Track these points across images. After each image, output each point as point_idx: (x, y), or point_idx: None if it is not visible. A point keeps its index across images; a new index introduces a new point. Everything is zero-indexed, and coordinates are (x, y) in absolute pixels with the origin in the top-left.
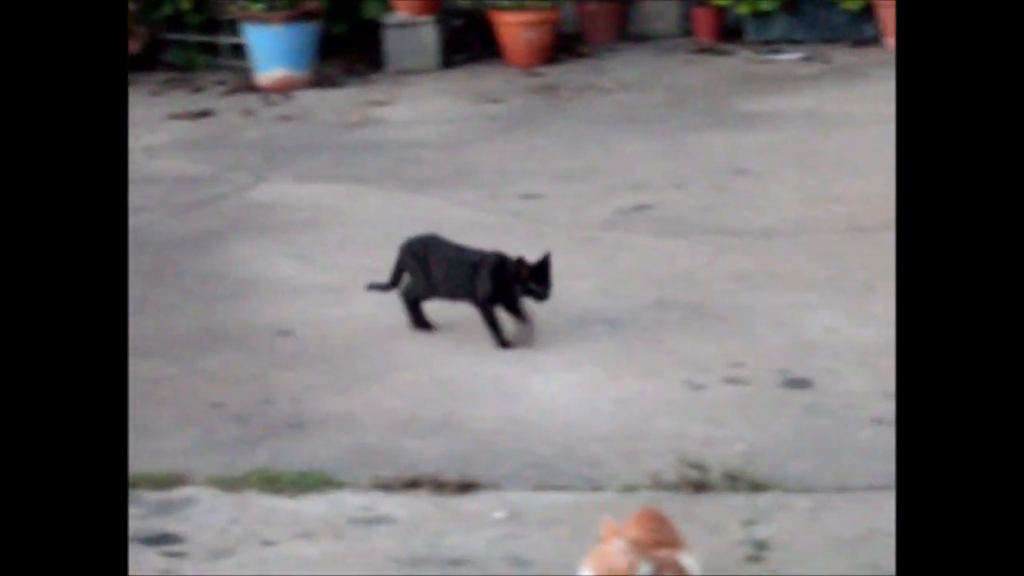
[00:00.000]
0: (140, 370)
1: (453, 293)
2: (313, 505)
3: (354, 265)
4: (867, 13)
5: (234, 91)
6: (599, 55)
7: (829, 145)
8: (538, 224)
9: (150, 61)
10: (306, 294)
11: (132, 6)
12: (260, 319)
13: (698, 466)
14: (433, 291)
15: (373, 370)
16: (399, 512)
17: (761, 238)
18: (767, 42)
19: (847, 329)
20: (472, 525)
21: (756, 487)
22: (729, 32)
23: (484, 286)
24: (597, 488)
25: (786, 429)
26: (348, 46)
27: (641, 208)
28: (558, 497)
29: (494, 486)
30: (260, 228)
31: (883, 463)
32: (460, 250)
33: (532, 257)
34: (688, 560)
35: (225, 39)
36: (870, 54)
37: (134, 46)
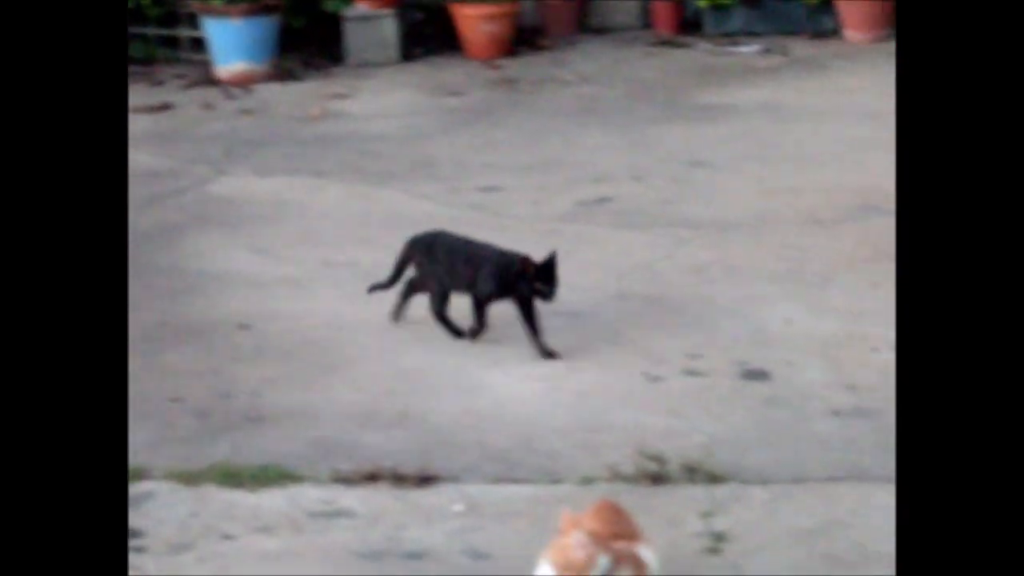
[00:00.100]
0: None
1: (455, 286)
2: (272, 499)
3: (314, 258)
4: (826, 6)
5: (194, 85)
6: (559, 48)
7: (788, 137)
8: (498, 217)
9: None
10: (266, 288)
11: None
12: (220, 313)
13: (656, 458)
14: (449, 287)
15: (333, 363)
16: (358, 505)
17: (720, 230)
18: (726, 34)
19: (805, 321)
20: (431, 518)
21: (714, 479)
22: (688, 25)
23: (487, 284)
24: (556, 480)
25: (744, 421)
26: (308, 39)
27: (601, 200)
28: (517, 490)
29: (453, 479)
30: (220, 222)
31: (841, 454)
32: (467, 244)
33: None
34: (646, 552)
35: (185, 32)
36: (829, 46)
37: None
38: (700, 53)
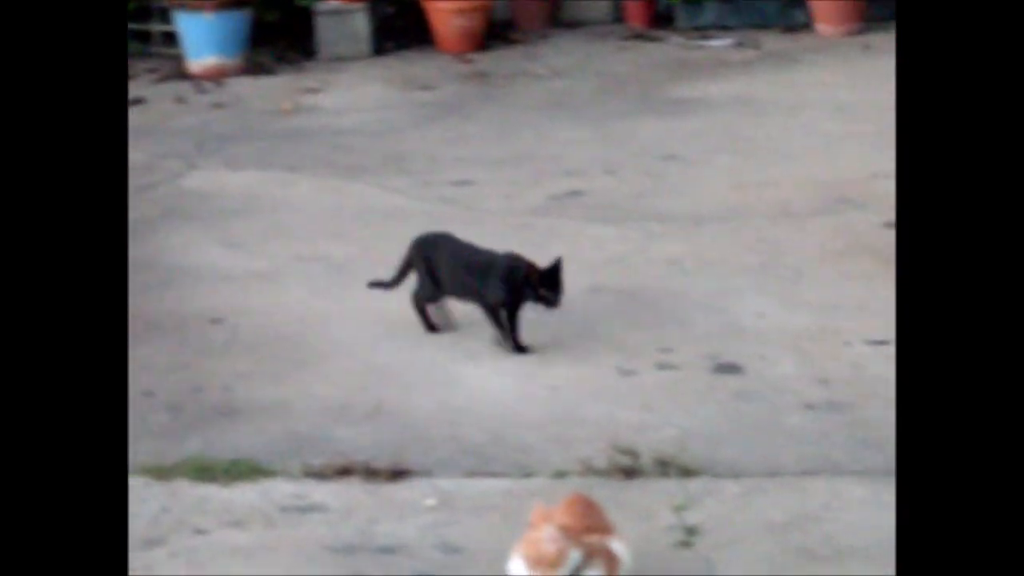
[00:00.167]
0: None
1: (459, 293)
2: (244, 493)
3: (286, 253)
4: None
5: (166, 79)
6: (531, 42)
7: (760, 131)
8: (470, 211)
9: None
10: (238, 282)
11: None
12: (192, 307)
13: (629, 452)
14: (440, 292)
15: (305, 358)
16: (331, 500)
17: (693, 224)
18: (698, 28)
19: (778, 315)
20: (404, 512)
21: (686, 472)
22: (661, 18)
23: (496, 292)
24: (528, 474)
25: (717, 415)
26: (280, 33)
27: (573, 194)
28: (490, 483)
29: (426, 473)
30: (192, 216)
31: (813, 447)
32: (471, 250)
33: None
34: (618, 546)
35: (157, 27)
36: (801, 40)
37: None
38: (672, 47)
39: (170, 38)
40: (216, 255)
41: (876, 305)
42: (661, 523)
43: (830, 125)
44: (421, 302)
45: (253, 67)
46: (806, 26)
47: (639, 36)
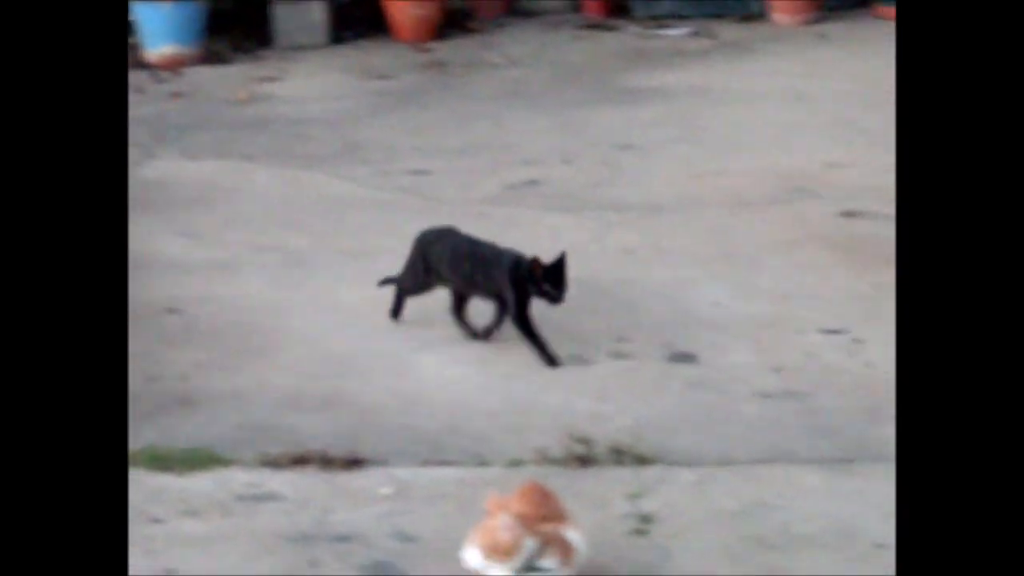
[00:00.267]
0: None
1: (465, 288)
2: (200, 483)
3: (243, 242)
4: None
5: None
6: (488, 31)
7: (717, 120)
8: (427, 200)
9: None
10: (195, 271)
11: None
12: (148, 296)
13: (584, 440)
14: (427, 285)
15: (261, 347)
16: (286, 489)
17: (649, 213)
18: (655, 18)
19: (732, 303)
20: (359, 501)
21: (641, 461)
22: (617, 8)
23: (505, 286)
24: (483, 463)
25: (672, 403)
26: (237, 22)
27: (530, 183)
28: (445, 472)
29: (381, 462)
30: (149, 206)
31: (767, 436)
32: (475, 244)
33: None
34: (573, 534)
35: None
36: (757, 29)
37: None
38: (629, 36)
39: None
40: (173, 245)
41: (830, 294)
42: (616, 511)
43: (786, 114)
44: (404, 291)
45: (210, 56)
46: (762, 16)
47: (596, 26)
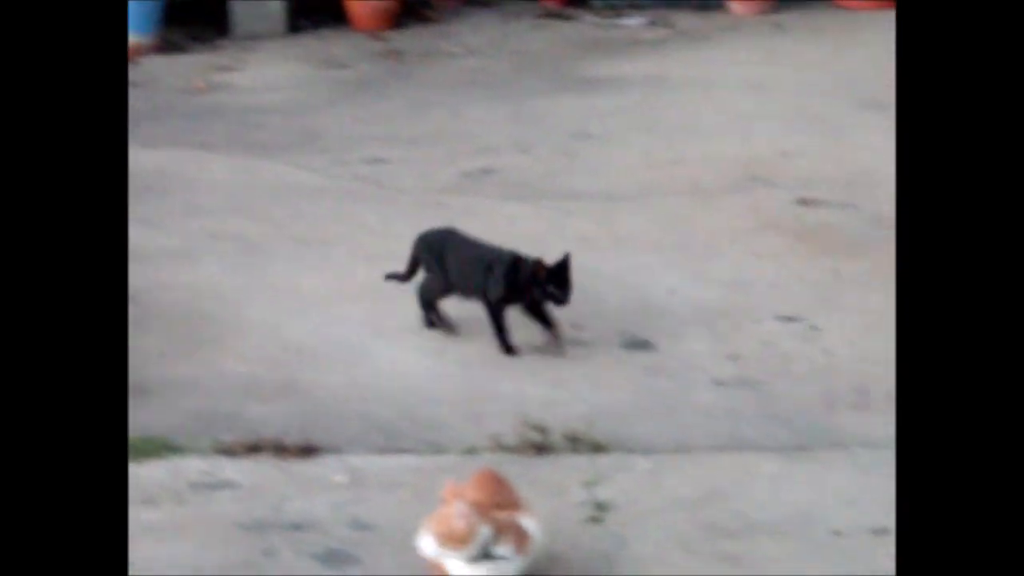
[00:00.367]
0: None
1: (464, 291)
2: (155, 470)
3: (199, 230)
4: None
5: None
6: (446, 20)
7: (674, 109)
8: (384, 189)
9: None
10: (151, 259)
11: None
12: None
13: (539, 428)
14: (449, 288)
15: (217, 335)
16: (241, 477)
17: (605, 202)
18: (612, 7)
19: (689, 291)
20: (314, 489)
21: (597, 449)
22: None
23: (496, 287)
24: (439, 451)
25: (627, 391)
26: (194, 12)
27: (487, 172)
28: (400, 460)
29: (336, 450)
30: None
31: (723, 424)
32: (476, 246)
33: (530, 253)
34: (528, 522)
35: None
36: (714, 19)
37: None
38: (586, 26)
39: None
40: (130, 233)
41: (787, 282)
42: (571, 499)
43: (742, 103)
44: (426, 297)
45: (167, 45)
46: (718, 5)
47: (553, 15)
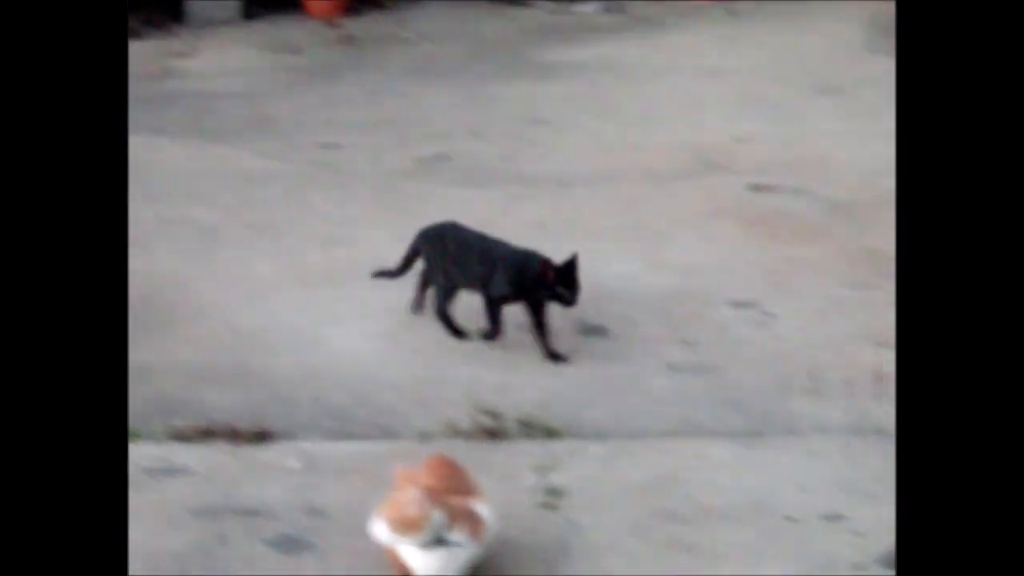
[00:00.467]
0: None
1: (467, 284)
2: None
3: (153, 216)
4: None
5: None
6: (400, 7)
7: (627, 95)
8: (338, 174)
9: None
10: None
11: None
12: None
13: (493, 414)
14: (456, 285)
15: (170, 320)
16: (194, 462)
17: (559, 187)
18: None
19: (642, 277)
20: (267, 474)
21: (550, 434)
22: None
23: (501, 286)
24: (392, 437)
25: (581, 376)
26: None
27: (440, 158)
28: (353, 446)
29: (289, 435)
30: None
31: (676, 409)
32: (481, 239)
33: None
34: (482, 507)
35: None
36: (668, 5)
37: None
38: (541, 12)
39: None
40: None
41: (739, 267)
42: (525, 485)
43: (695, 89)
44: (443, 310)
45: None
46: None
47: (509, 1)
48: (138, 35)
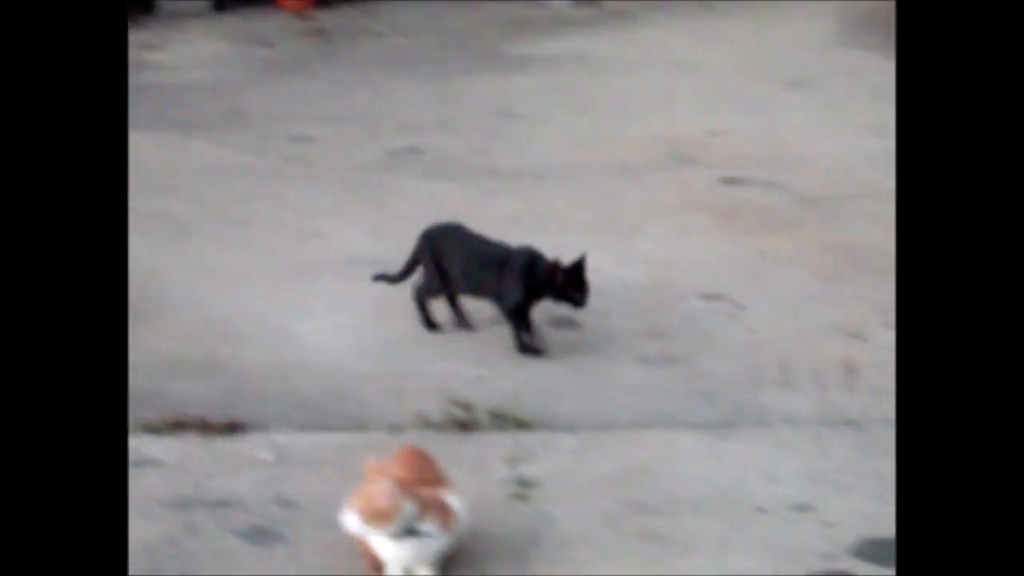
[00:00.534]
0: None
1: (474, 290)
2: None
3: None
4: None
5: None
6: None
7: (600, 88)
8: (309, 167)
9: None
10: None
11: None
12: None
13: (464, 405)
14: (444, 287)
15: (141, 312)
16: (165, 455)
17: (532, 181)
18: None
19: (614, 269)
20: (239, 466)
21: (522, 426)
22: None
23: (514, 292)
24: (364, 428)
25: (552, 368)
26: None
27: (412, 151)
28: (325, 438)
29: (261, 427)
30: None
31: (647, 401)
32: (485, 243)
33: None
34: (453, 499)
35: None
36: None
37: None
38: (513, 5)
39: None
40: None
41: (711, 260)
42: (496, 476)
43: (668, 83)
44: (424, 296)
45: None
46: None
47: None
48: None
